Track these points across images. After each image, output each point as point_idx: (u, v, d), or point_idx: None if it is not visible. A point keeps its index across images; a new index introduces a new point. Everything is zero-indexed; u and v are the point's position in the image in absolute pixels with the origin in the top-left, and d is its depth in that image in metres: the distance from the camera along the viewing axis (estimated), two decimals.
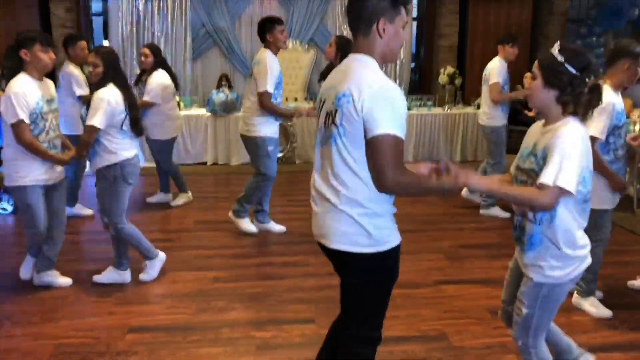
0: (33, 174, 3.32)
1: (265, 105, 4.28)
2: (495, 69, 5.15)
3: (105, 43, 8.08)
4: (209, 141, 7.32)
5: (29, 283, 3.61)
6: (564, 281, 2.10)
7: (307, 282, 3.68)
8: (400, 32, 1.96)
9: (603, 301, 3.38)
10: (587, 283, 3.28)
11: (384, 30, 1.90)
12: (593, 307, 3.27)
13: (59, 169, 3.47)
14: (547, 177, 1.91)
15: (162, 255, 3.78)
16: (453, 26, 8.50)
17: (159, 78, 5.09)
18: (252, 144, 4.44)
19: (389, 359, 2.78)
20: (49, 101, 3.37)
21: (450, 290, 3.61)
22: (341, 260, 2.02)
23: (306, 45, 8.07)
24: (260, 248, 4.39)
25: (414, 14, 8.79)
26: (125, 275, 3.66)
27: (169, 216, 5.18)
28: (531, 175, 2.03)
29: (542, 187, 1.92)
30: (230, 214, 4.68)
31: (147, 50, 5.10)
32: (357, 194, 1.90)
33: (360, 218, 1.91)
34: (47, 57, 3.29)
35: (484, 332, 3.07)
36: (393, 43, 1.94)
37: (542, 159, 1.98)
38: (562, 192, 1.91)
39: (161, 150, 5.31)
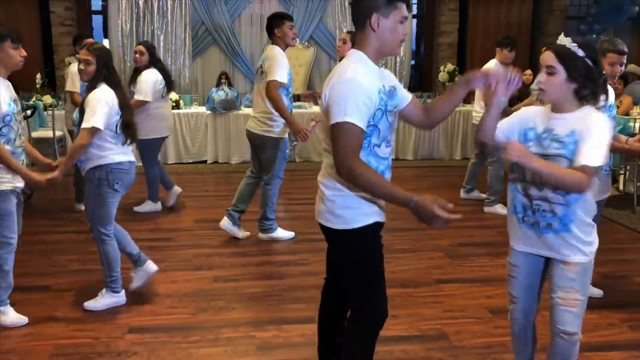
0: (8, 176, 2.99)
1: (272, 93, 4.02)
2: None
3: (105, 42, 8.07)
4: (208, 139, 7.32)
5: (26, 283, 3.61)
6: (594, 253, 2.18)
7: (307, 282, 3.68)
8: (396, 27, 1.98)
9: (603, 299, 3.38)
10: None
11: (377, 24, 1.97)
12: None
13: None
14: (590, 159, 1.97)
15: (147, 269, 3.50)
16: (453, 24, 8.49)
17: (151, 75, 4.94)
18: (271, 144, 4.29)
19: (388, 359, 2.77)
20: (16, 101, 3.09)
21: (450, 289, 3.60)
22: (324, 235, 2.21)
23: (306, 43, 8.06)
24: (259, 247, 4.39)
25: (414, 11, 8.78)
26: (121, 297, 3.38)
27: (168, 215, 5.18)
28: (558, 160, 2.05)
29: (585, 169, 1.97)
30: (261, 234, 4.50)
31: (142, 48, 5.00)
32: (332, 177, 2.07)
33: (332, 197, 2.08)
34: (18, 55, 3.04)
35: (484, 331, 3.07)
36: (388, 38, 1.99)
37: (573, 144, 2.02)
38: (597, 171, 2.02)
39: (142, 150, 5.13)
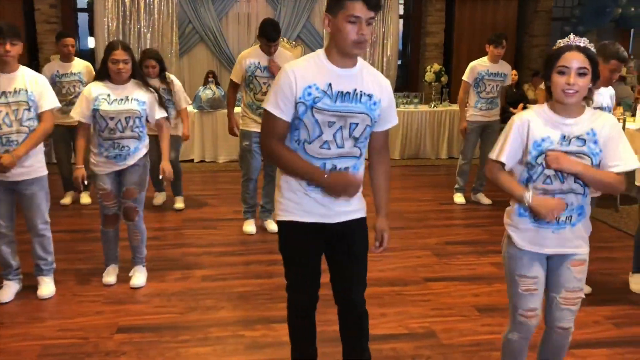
0: None
1: (227, 91, 4.58)
2: (468, 67, 5.40)
3: (91, 40, 8.00)
4: (195, 138, 7.28)
5: None
6: None
7: None
8: (343, 26, 1.97)
9: (589, 297, 3.43)
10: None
11: (328, 24, 2.03)
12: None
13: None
14: (631, 164, 2.07)
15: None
16: (440, 24, 8.54)
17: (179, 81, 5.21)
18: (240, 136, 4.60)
19: (377, 357, 2.78)
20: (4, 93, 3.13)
21: (437, 288, 3.63)
22: None
23: (293, 42, 8.07)
24: (248, 246, 4.38)
25: (401, 11, 8.81)
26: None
27: (156, 214, 5.15)
28: (581, 157, 2.07)
29: (621, 172, 2.07)
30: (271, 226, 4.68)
31: (154, 62, 4.86)
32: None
33: (276, 189, 2.22)
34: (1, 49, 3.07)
35: (472, 329, 3.10)
36: (338, 37, 2.01)
37: (593, 143, 2.07)
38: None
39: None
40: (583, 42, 2.05)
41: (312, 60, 2.08)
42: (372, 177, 2.27)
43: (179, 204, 5.33)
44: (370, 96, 2.09)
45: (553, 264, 2.21)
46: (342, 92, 2.04)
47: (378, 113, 2.12)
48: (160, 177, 3.56)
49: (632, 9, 8.32)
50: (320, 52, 2.10)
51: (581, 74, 2.01)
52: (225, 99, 7.31)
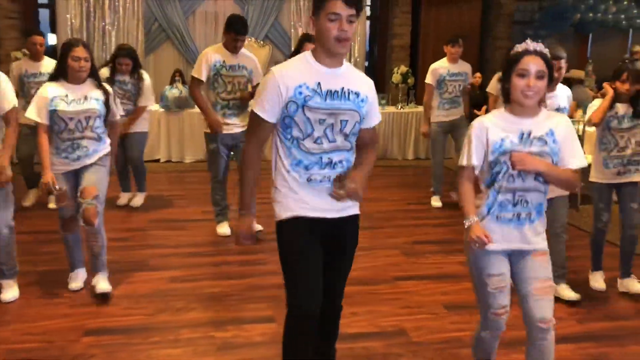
0: None
1: (190, 90, 4.40)
2: (429, 70, 5.52)
3: (52, 36, 7.81)
4: (161, 138, 7.20)
5: None
6: None
7: (266, 280, 3.68)
8: (324, 25, 2.04)
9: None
10: None
11: (313, 26, 2.09)
12: None
13: None
14: (581, 162, 2.22)
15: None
16: (406, 26, 8.64)
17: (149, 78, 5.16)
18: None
19: (349, 356, 2.81)
20: None
21: (407, 286, 3.68)
22: None
23: (261, 42, 8.04)
24: (217, 247, 4.35)
25: (367, 13, 8.88)
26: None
27: (122, 215, 5.07)
28: (543, 156, 2.18)
29: (577, 170, 2.21)
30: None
31: (128, 60, 4.91)
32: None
33: (272, 190, 2.23)
34: None
35: (440, 327, 3.15)
36: (321, 36, 2.07)
37: (553, 142, 2.18)
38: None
39: (142, 143, 5.29)
40: (539, 46, 2.16)
41: (300, 62, 2.15)
42: (356, 162, 2.26)
43: (139, 200, 5.29)
44: (357, 94, 2.16)
45: (516, 260, 2.28)
46: (331, 91, 2.11)
47: (365, 110, 2.19)
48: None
49: (591, 15, 8.59)
50: (308, 54, 2.15)
51: (540, 77, 2.13)
52: (193, 98, 7.26)
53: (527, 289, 2.24)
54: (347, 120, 2.14)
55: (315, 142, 2.11)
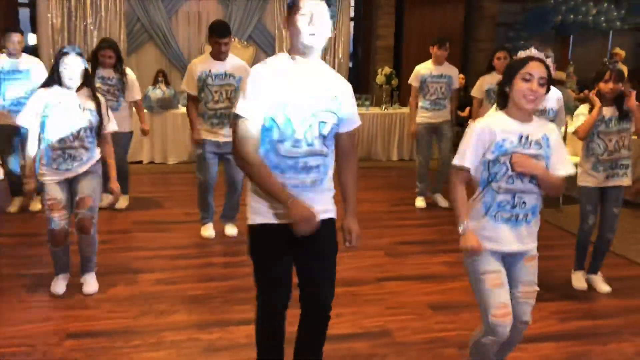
0: None
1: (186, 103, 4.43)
2: (413, 72, 5.55)
3: (33, 36, 7.71)
4: (144, 139, 7.09)
5: None
6: None
7: (250, 282, 3.57)
8: (295, 23, 2.07)
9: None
10: None
11: (286, 25, 2.12)
12: None
13: None
14: (569, 169, 2.30)
15: None
16: (389, 27, 8.67)
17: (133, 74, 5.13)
18: None
19: (333, 357, 2.81)
20: None
21: (391, 287, 3.69)
22: None
23: (245, 43, 8.02)
24: (201, 249, 4.33)
25: (352, 14, 8.89)
26: None
27: (106, 217, 5.01)
28: (538, 159, 2.25)
29: (563, 177, 2.29)
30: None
31: (111, 52, 4.86)
32: None
33: (248, 193, 2.22)
34: None
35: (425, 327, 3.17)
36: (293, 35, 2.09)
37: (547, 147, 2.27)
38: None
39: (126, 144, 5.24)
40: (542, 55, 2.24)
41: (277, 62, 2.13)
42: (340, 178, 2.32)
43: (123, 202, 5.24)
44: (335, 96, 2.16)
45: (509, 262, 2.34)
46: (309, 90, 2.11)
47: (343, 112, 2.19)
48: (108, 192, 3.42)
49: (572, 17, 8.70)
50: (284, 55, 2.15)
51: (542, 84, 2.20)
52: (177, 98, 7.22)
53: (513, 291, 2.33)
54: (325, 122, 2.13)
55: (293, 145, 2.09)
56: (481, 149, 2.24)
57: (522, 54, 2.27)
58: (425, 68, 5.48)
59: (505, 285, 2.30)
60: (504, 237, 2.28)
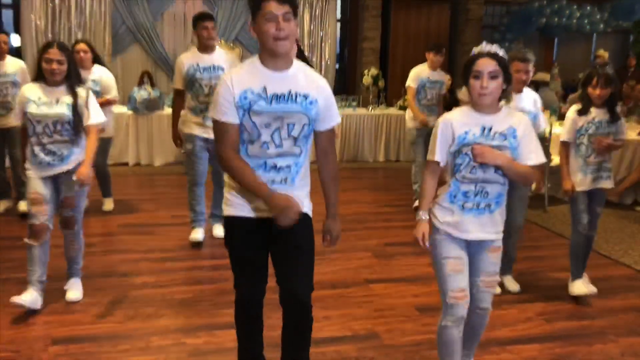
0: None
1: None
2: (412, 73, 5.53)
3: (16, 38, 7.62)
4: (130, 140, 7.09)
5: None
6: None
7: None
8: (262, 27, 2.07)
9: (520, 294, 3.61)
10: None
11: (253, 31, 2.12)
12: None
13: None
14: (540, 158, 2.35)
15: None
16: (376, 29, 8.69)
17: (109, 73, 4.99)
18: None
19: None
20: None
21: (379, 289, 3.70)
22: None
23: (231, 44, 8.00)
24: (188, 251, 4.31)
25: (338, 16, 8.91)
26: None
27: (91, 220, 4.97)
28: (503, 150, 2.32)
29: (535, 166, 2.35)
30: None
31: (85, 46, 4.78)
32: None
33: (226, 186, 2.29)
34: None
35: (412, 329, 3.18)
36: (261, 39, 2.10)
37: (513, 137, 2.32)
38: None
39: (107, 148, 5.16)
40: (494, 48, 2.30)
41: (247, 66, 2.19)
42: (321, 178, 2.37)
43: (108, 205, 5.20)
44: (305, 96, 2.17)
45: (473, 250, 2.42)
46: (277, 94, 2.13)
47: (315, 112, 2.20)
48: (75, 178, 3.20)
49: (556, 19, 8.79)
50: (255, 58, 2.19)
51: (493, 77, 2.27)
52: (162, 100, 7.18)
53: (474, 280, 2.43)
54: (294, 124, 2.15)
55: (261, 146, 2.15)
56: (446, 143, 2.35)
57: (473, 51, 2.34)
58: (425, 72, 5.46)
59: (465, 272, 2.39)
60: (467, 225, 2.36)
